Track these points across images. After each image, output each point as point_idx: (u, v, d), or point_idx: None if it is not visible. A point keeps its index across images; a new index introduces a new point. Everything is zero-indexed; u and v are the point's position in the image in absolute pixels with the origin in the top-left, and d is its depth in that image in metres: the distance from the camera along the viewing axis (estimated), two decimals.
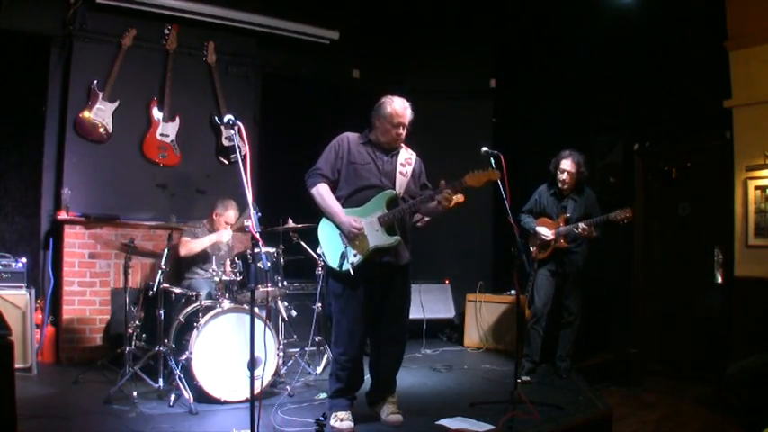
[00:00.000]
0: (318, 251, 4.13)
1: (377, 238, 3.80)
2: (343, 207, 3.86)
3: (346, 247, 3.81)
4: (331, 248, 3.88)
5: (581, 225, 5.08)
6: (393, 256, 3.87)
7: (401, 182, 3.94)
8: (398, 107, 3.91)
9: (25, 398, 4.00)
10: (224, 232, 5.15)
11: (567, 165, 5.27)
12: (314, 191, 3.89)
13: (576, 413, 4.28)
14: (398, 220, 3.86)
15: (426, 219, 4.19)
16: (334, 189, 3.92)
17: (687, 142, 5.94)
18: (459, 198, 3.88)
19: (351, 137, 4.01)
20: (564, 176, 5.29)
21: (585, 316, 5.56)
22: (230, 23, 6.31)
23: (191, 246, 5.16)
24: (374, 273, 3.83)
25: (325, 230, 3.93)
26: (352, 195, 3.89)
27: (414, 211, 3.93)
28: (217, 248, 5.21)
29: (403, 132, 3.94)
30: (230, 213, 5.29)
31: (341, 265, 3.78)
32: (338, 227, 3.83)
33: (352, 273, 3.75)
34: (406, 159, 4.02)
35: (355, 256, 3.79)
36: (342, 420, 3.80)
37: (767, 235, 5.19)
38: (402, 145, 4.05)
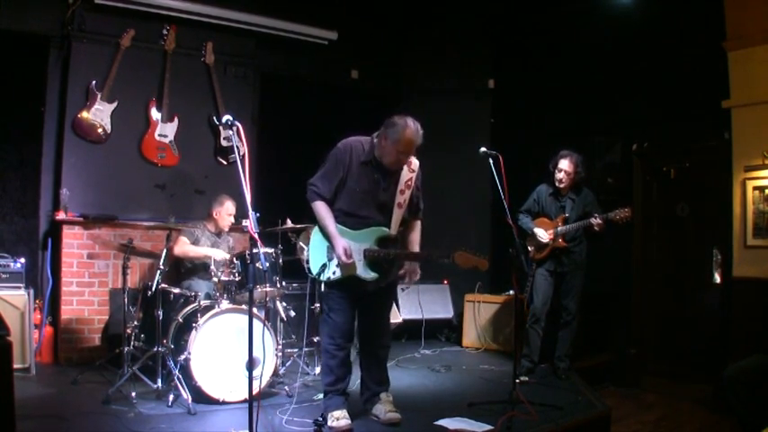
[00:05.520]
0: (305, 251, 4.15)
1: (358, 267, 3.82)
2: (336, 220, 3.84)
3: (329, 261, 3.87)
4: (316, 255, 3.95)
5: (596, 221, 5.06)
6: (371, 285, 3.88)
7: (396, 216, 3.88)
8: (411, 136, 3.73)
9: (24, 398, 3.99)
10: (219, 252, 5.10)
11: (564, 164, 5.28)
12: (313, 205, 3.90)
13: (574, 413, 4.28)
14: (384, 258, 3.86)
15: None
16: (332, 199, 3.89)
17: (686, 142, 5.95)
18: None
19: (354, 149, 3.87)
20: (561, 175, 5.30)
21: (584, 316, 5.57)
22: (229, 24, 6.31)
23: (186, 248, 5.15)
24: (355, 288, 3.89)
25: (317, 237, 3.97)
26: (346, 214, 3.86)
27: (399, 259, 3.91)
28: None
29: (406, 160, 3.85)
30: (228, 205, 5.32)
31: (319, 274, 3.89)
32: (332, 247, 3.84)
33: (323, 287, 3.92)
34: (406, 183, 3.90)
35: (334, 273, 3.85)
36: (338, 419, 3.80)
37: (766, 235, 5.19)
38: None
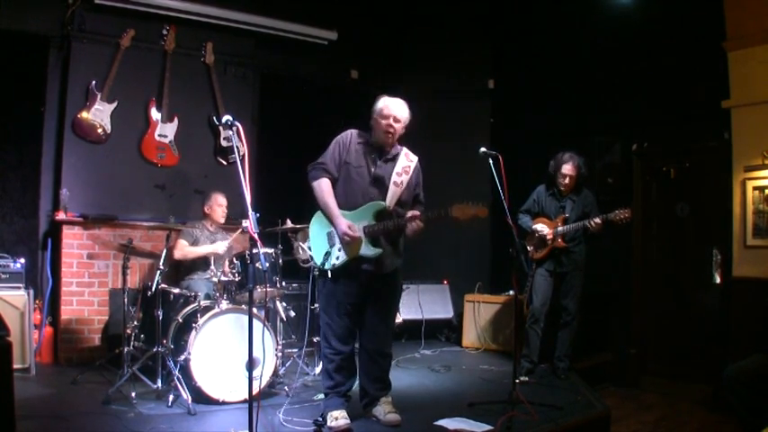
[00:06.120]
0: (307, 245, 4.15)
1: (361, 246, 3.82)
2: (336, 198, 3.88)
3: (332, 247, 3.86)
4: (317, 245, 3.95)
5: (594, 220, 5.06)
6: (374, 266, 3.86)
7: (393, 192, 3.89)
8: (389, 101, 3.92)
9: (23, 398, 3.99)
10: (219, 244, 5.13)
11: (567, 169, 5.27)
12: (315, 184, 3.90)
13: (574, 414, 4.28)
14: (384, 232, 3.86)
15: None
16: (334, 185, 3.92)
17: (685, 143, 5.94)
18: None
19: (353, 133, 4.00)
20: (566, 180, 5.30)
21: (584, 316, 5.57)
22: (228, 24, 6.31)
23: (186, 250, 5.17)
24: (357, 277, 3.87)
25: (316, 226, 3.99)
26: (343, 196, 3.90)
27: (398, 229, 3.88)
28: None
29: (395, 127, 3.90)
30: (216, 197, 5.41)
31: (323, 264, 3.85)
32: (334, 227, 3.84)
33: (329, 274, 3.85)
34: (404, 168, 3.95)
35: (338, 258, 3.84)
36: (337, 419, 3.80)
37: (765, 235, 5.19)
38: (403, 149, 4.02)
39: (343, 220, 3.79)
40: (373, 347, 4.01)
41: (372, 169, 3.91)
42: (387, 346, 4.09)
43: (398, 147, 4.04)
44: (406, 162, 3.98)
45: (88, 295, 5.60)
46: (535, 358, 5.45)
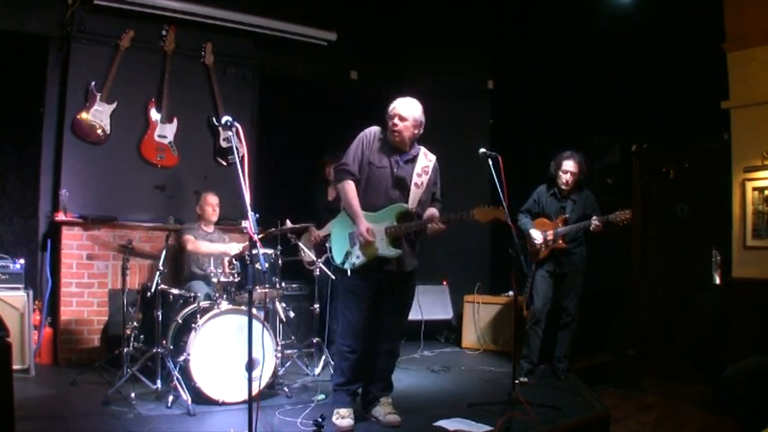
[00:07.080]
0: (327, 243, 4.20)
1: (381, 247, 3.86)
2: (359, 196, 3.93)
3: (352, 248, 3.91)
4: (339, 244, 4.01)
5: (596, 222, 5.07)
6: (395, 266, 3.92)
7: (414, 194, 3.95)
8: (398, 101, 3.97)
9: (23, 399, 4.00)
10: (233, 246, 5.15)
11: (569, 165, 5.28)
12: (341, 186, 3.97)
13: (573, 414, 4.29)
14: (405, 233, 3.91)
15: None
16: (357, 184, 3.97)
17: (685, 143, 5.94)
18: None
19: (376, 131, 4.04)
20: (568, 177, 5.30)
21: (584, 317, 5.57)
22: (228, 25, 6.31)
23: (198, 244, 5.20)
24: (377, 276, 3.90)
25: (339, 226, 4.05)
26: (366, 196, 3.94)
27: (420, 230, 3.94)
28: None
29: (399, 125, 3.92)
30: (206, 196, 5.45)
31: (343, 263, 3.91)
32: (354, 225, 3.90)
33: (349, 273, 3.88)
34: (423, 168, 4.01)
35: (357, 258, 3.88)
36: (343, 417, 3.82)
37: (765, 236, 5.19)
38: (422, 149, 4.06)
39: (364, 223, 3.83)
40: (386, 347, 4.05)
41: (395, 170, 3.95)
42: (397, 346, 4.17)
43: (417, 147, 4.08)
44: (425, 162, 4.04)
45: (88, 296, 5.60)
46: (535, 359, 5.45)
